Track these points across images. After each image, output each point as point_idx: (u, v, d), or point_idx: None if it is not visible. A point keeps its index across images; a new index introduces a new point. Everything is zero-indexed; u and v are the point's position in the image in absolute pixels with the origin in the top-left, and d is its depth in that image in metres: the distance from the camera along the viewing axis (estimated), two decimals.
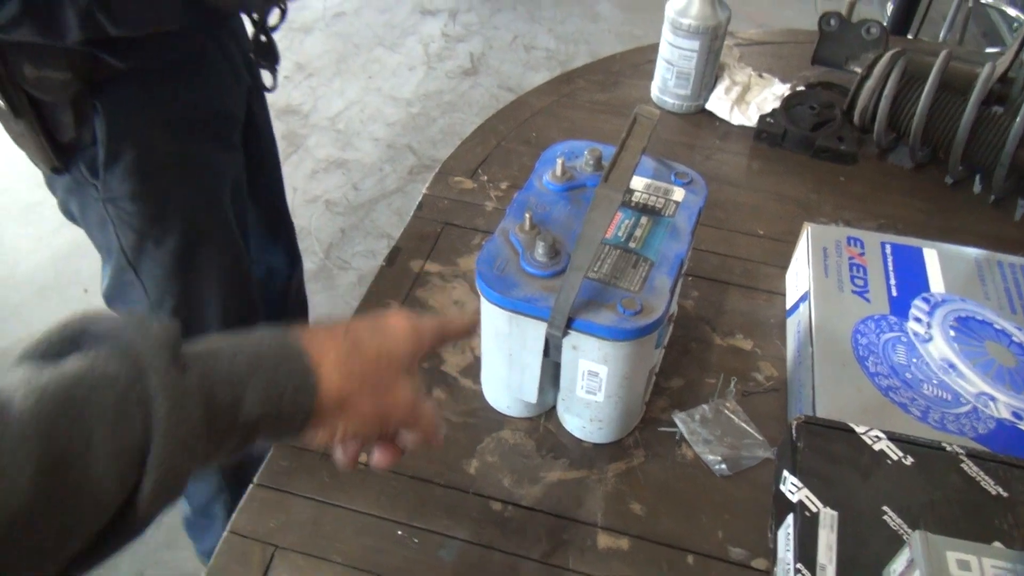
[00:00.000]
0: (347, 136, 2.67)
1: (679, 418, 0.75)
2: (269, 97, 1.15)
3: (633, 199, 0.73)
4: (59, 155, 0.89)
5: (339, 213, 2.40)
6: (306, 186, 2.47)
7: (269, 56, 1.07)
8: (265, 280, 1.30)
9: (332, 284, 2.17)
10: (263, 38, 1.05)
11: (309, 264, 2.16)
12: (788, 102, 1.11)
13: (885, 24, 1.50)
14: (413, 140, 2.65)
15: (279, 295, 1.34)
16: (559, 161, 0.74)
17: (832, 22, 1.21)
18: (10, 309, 2.10)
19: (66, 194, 0.96)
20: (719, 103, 1.15)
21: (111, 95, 0.86)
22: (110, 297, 1.03)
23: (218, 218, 1.02)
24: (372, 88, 2.90)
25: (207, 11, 0.86)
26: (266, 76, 1.10)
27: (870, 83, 1.04)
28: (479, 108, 2.81)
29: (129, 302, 1.01)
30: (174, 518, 1.29)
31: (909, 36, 2.18)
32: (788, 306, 0.85)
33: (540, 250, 0.65)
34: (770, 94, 1.15)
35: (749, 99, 1.16)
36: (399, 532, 0.67)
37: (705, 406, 0.76)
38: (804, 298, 0.80)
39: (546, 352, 0.66)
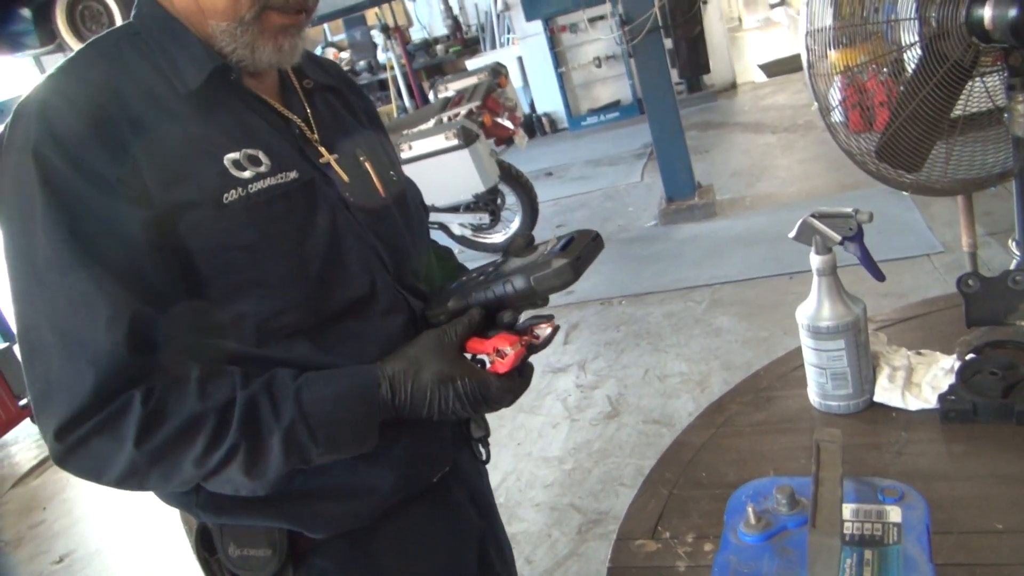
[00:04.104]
0: (510, 508, 2.65)
1: None
2: None
3: (844, 532, 0.65)
4: None
5: None
6: None
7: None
8: None
9: None
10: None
11: None
12: (965, 373, 1.03)
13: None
14: (574, 497, 2.60)
15: None
16: (749, 508, 0.68)
17: (972, 282, 1.17)
18: None
19: None
20: (888, 392, 1.07)
21: (310, 567, 0.91)
22: None
23: None
24: (523, 454, 2.94)
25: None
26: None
27: None
28: (631, 448, 2.77)
29: None
30: None
31: None
32: None
33: None
34: (939, 370, 1.07)
35: (917, 380, 1.08)
36: None
37: None
38: None
39: None
